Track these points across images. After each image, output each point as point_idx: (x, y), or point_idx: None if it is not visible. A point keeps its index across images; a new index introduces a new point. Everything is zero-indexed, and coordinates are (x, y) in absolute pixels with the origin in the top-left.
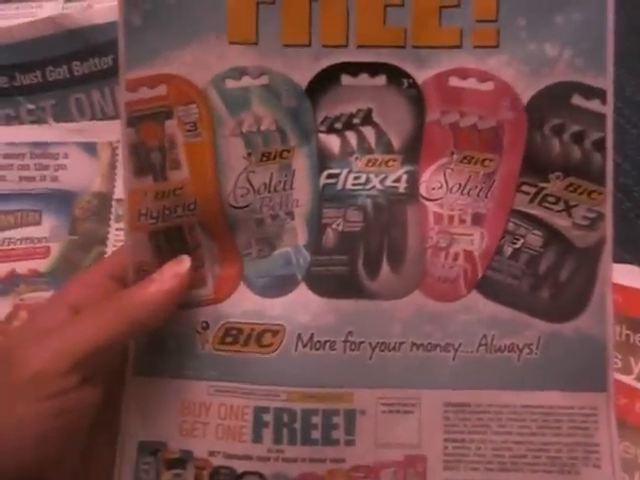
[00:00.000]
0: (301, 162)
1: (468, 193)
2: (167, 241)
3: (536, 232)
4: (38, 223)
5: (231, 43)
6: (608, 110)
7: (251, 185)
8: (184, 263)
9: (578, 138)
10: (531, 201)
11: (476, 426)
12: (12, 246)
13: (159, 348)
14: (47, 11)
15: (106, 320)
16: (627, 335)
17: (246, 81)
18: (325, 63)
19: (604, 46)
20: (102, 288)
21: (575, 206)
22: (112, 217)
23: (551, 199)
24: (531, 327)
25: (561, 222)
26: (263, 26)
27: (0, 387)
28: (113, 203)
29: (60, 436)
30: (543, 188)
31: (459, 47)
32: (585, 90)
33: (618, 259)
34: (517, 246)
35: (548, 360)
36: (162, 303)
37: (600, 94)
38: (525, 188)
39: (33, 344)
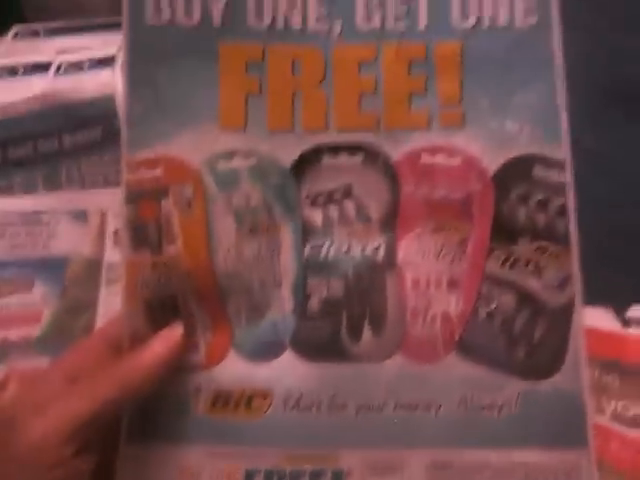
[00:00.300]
0: (287, 235)
1: (443, 259)
2: (161, 310)
3: (509, 294)
4: (30, 290)
5: (223, 129)
6: (567, 178)
7: (241, 256)
8: (177, 330)
9: (542, 205)
10: (503, 265)
11: None
12: (4, 313)
13: (152, 414)
14: (38, 86)
15: (102, 389)
16: (599, 375)
17: (236, 162)
18: (307, 145)
19: (558, 121)
20: (98, 356)
21: (545, 268)
22: (102, 282)
23: (521, 262)
24: (509, 386)
25: (532, 284)
26: (251, 114)
27: None
28: (103, 268)
29: None
30: (513, 252)
31: (428, 128)
32: (545, 161)
33: (587, 302)
34: (491, 308)
35: (527, 417)
36: (156, 370)
37: (559, 164)
38: (496, 253)
39: (31, 416)
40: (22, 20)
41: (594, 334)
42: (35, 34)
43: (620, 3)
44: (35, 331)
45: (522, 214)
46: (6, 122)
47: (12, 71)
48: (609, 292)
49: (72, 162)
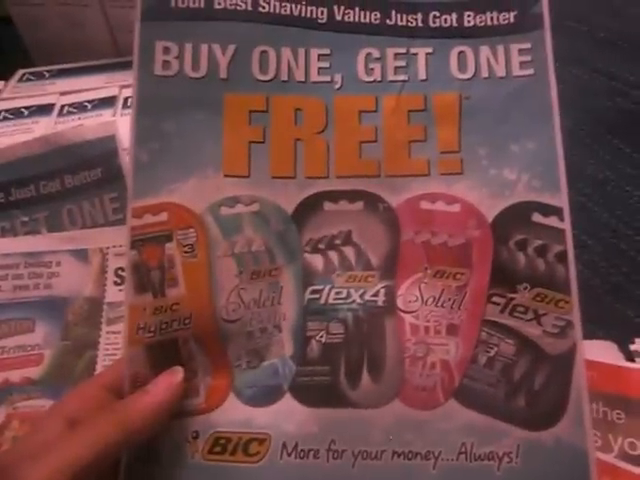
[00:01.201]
0: (288, 279)
1: (442, 305)
2: (162, 353)
3: (508, 341)
4: (32, 331)
5: (226, 176)
6: (566, 225)
7: (242, 301)
8: (178, 374)
9: (541, 251)
10: (502, 311)
11: None
12: (5, 355)
13: (150, 458)
14: (41, 127)
15: (102, 433)
16: (604, 412)
17: (239, 208)
18: (309, 192)
19: (556, 169)
20: (98, 400)
21: (544, 315)
22: (103, 321)
23: (520, 309)
24: (509, 435)
25: (532, 330)
26: (254, 162)
27: None
28: (104, 307)
29: None
30: (512, 298)
31: (427, 175)
32: (543, 208)
33: (590, 336)
34: (491, 355)
35: (529, 469)
36: (156, 413)
37: (557, 211)
38: (495, 299)
39: (31, 461)
40: (29, 62)
41: (598, 368)
42: (40, 76)
43: (615, 35)
44: (37, 372)
45: (521, 260)
46: (8, 165)
47: (16, 113)
48: (613, 325)
49: (73, 202)
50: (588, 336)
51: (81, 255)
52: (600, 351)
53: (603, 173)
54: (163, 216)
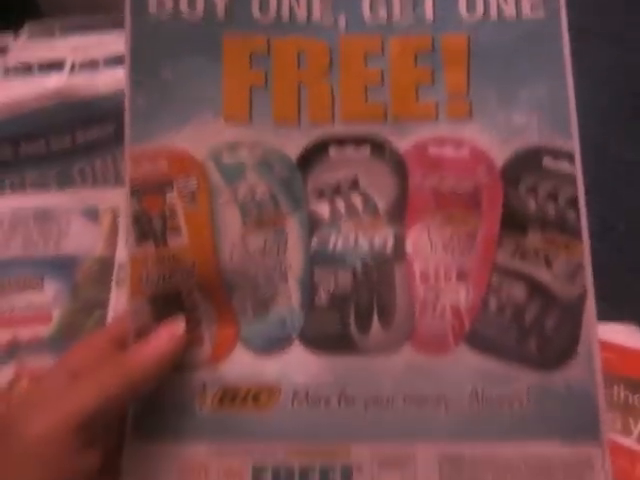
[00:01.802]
0: (293, 228)
1: (452, 251)
2: (166, 304)
3: (519, 285)
4: (40, 289)
5: (227, 121)
6: (577, 169)
7: (246, 250)
8: (179, 324)
9: (552, 196)
10: (512, 256)
11: (472, 478)
12: (14, 312)
13: (158, 412)
14: (52, 82)
15: (105, 383)
16: (625, 395)
17: (241, 155)
18: (313, 137)
19: (567, 113)
20: (103, 353)
21: (555, 259)
22: (113, 282)
23: (531, 253)
24: (520, 378)
25: (542, 275)
26: (256, 107)
27: (3, 453)
28: (115, 268)
29: None
30: (523, 243)
31: (435, 119)
32: (554, 153)
33: (614, 318)
34: (502, 299)
35: (539, 411)
36: (159, 364)
37: (568, 156)
38: (506, 244)
39: (34, 411)
40: (38, 16)
41: (619, 351)
42: (50, 32)
43: None
44: (45, 331)
45: (532, 205)
46: (18, 119)
47: (27, 69)
48: (633, 307)
49: (85, 159)
50: (610, 318)
51: (92, 214)
52: (621, 334)
53: (632, 153)
54: (163, 165)
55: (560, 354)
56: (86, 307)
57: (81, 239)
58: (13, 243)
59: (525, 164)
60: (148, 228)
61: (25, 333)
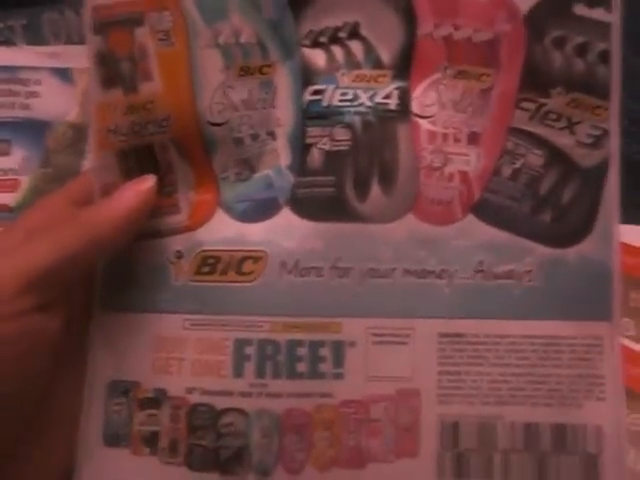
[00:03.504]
0: (283, 78)
1: (463, 110)
2: (137, 161)
3: (537, 151)
4: (7, 154)
5: None
6: (614, 18)
7: (229, 101)
8: (148, 181)
9: (581, 50)
10: (531, 118)
11: (472, 357)
12: None
13: (129, 281)
14: None
15: (61, 239)
16: None
17: None
18: None
19: None
20: (63, 213)
21: (578, 123)
22: (88, 149)
23: (553, 116)
24: (531, 252)
25: (563, 140)
26: None
27: None
28: (89, 134)
29: (18, 363)
30: (544, 104)
31: None
32: None
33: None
34: (516, 166)
35: (549, 287)
36: (123, 221)
37: (604, 1)
38: (525, 104)
39: None
40: None
41: (637, 254)
42: None
43: None
44: (13, 198)
45: (557, 60)
46: None
47: None
48: None
49: (55, 9)
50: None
51: (64, 74)
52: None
53: None
54: None
55: (577, 227)
56: (58, 175)
57: (53, 102)
58: None
59: (553, 11)
60: (115, 71)
61: None
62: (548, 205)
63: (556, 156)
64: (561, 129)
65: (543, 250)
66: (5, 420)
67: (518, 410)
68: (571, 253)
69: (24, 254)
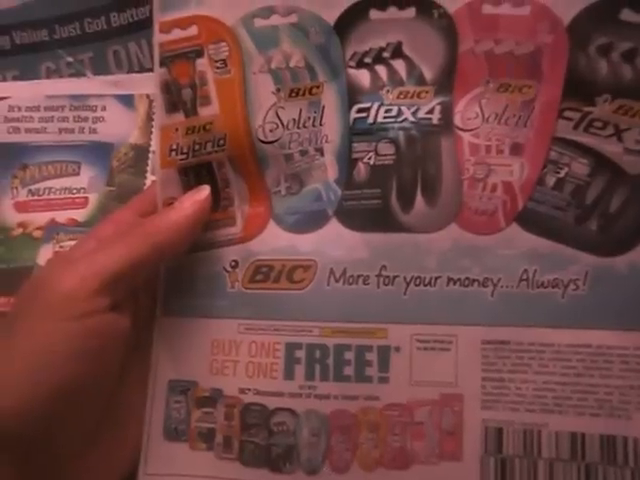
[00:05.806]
0: (330, 98)
1: (506, 122)
2: (196, 177)
3: (582, 160)
4: (77, 174)
5: None
6: None
7: (280, 120)
8: (203, 191)
9: (629, 56)
10: (576, 127)
11: (516, 365)
12: (52, 196)
13: (189, 289)
14: None
15: (130, 245)
16: None
17: (275, 19)
18: None
19: None
20: (131, 224)
21: (626, 130)
22: (148, 169)
23: (598, 124)
24: (577, 261)
25: (610, 148)
26: None
27: (31, 307)
28: (150, 155)
29: (89, 361)
30: (589, 113)
31: None
32: (636, 3)
33: None
34: (561, 175)
35: (597, 296)
36: (183, 228)
37: None
38: (568, 114)
39: (62, 269)
40: None
41: None
42: None
43: None
44: (82, 214)
45: (603, 68)
46: (53, 0)
47: None
48: None
49: (119, 43)
50: None
51: (127, 100)
52: None
53: None
54: (192, 30)
55: (625, 236)
56: (121, 193)
57: (117, 125)
58: (49, 128)
59: (598, 19)
60: (178, 97)
61: (62, 216)
62: (594, 213)
63: (603, 164)
64: (608, 137)
65: (589, 259)
66: (86, 407)
67: (563, 419)
68: (621, 262)
69: (98, 259)
